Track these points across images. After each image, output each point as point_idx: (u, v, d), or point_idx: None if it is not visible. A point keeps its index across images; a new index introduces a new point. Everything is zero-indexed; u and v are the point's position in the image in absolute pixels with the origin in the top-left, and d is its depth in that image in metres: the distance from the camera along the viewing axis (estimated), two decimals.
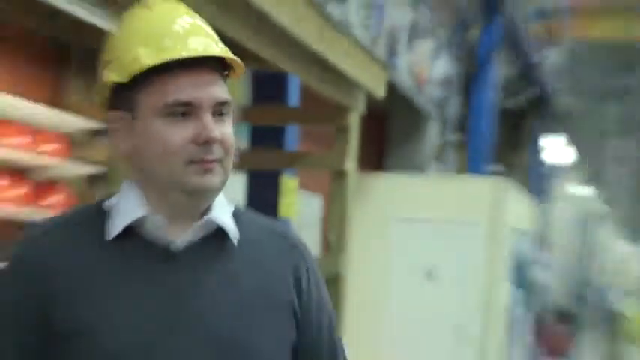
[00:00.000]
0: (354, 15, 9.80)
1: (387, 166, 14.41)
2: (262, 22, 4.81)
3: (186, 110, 1.90)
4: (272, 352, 2.02)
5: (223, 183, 1.99)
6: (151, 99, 1.92)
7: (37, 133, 6.02)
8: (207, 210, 2.00)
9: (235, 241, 2.02)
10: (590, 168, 28.22)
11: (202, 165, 1.92)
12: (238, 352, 1.97)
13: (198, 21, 2.02)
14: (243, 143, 7.26)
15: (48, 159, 6.06)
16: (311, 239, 9.58)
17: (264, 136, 7.25)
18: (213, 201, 2.01)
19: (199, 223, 1.98)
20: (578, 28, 19.42)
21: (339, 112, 6.39)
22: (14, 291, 2.00)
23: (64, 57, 6.47)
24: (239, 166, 6.49)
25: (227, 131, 1.96)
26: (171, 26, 1.96)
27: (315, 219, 9.99)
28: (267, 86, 6.99)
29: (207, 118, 1.91)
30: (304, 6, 5.18)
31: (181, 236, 1.98)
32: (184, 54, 1.88)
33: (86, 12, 4.89)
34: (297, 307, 2.09)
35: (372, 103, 10.29)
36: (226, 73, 1.99)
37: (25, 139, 5.97)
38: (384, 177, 13.22)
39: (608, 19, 19.92)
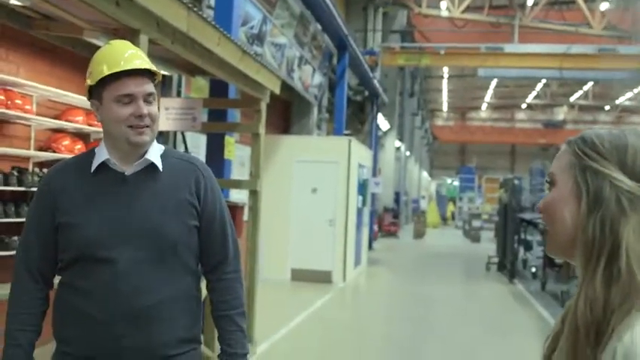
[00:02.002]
0: (267, 51, 10.10)
1: (291, 131, 14.50)
2: (211, 55, 4.83)
3: (129, 99, 1.99)
4: (180, 233, 2.07)
5: (152, 138, 2.08)
6: (109, 92, 2.00)
7: (89, 113, 6.05)
8: (145, 153, 2.07)
9: (161, 169, 2.09)
10: (398, 132, 28.38)
11: (137, 129, 2.01)
12: (159, 235, 2.03)
13: (139, 52, 2.09)
14: (205, 118, 7.00)
15: (95, 128, 6.22)
16: (245, 171, 9.82)
17: (216, 115, 7.12)
18: (148, 148, 2.08)
19: (139, 161, 2.06)
20: (387, 60, 20.26)
21: (255, 101, 6.24)
22: (39, 200, 2.11)
23: None
24: (203, 131, 7.01)
25: (153, 109, 2.03)
26: (123, 54, 2.02)
27: (247, 160, 9.37)
28: (218, 88, 6.85)
29: (140, 102, 2.00)
30: (232, 45, 5.14)
31: (130, 168, 2.07)
32: (128, 67, 1.98)
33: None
34: (197, 204, 2.12)
35: (282, 96, 11.00)
36: (155, 78, 2.08)
37: (83, 117, 6.18)
38: (290, 137, 13.25)
39: (402, 56, 20.94)
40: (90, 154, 2.11)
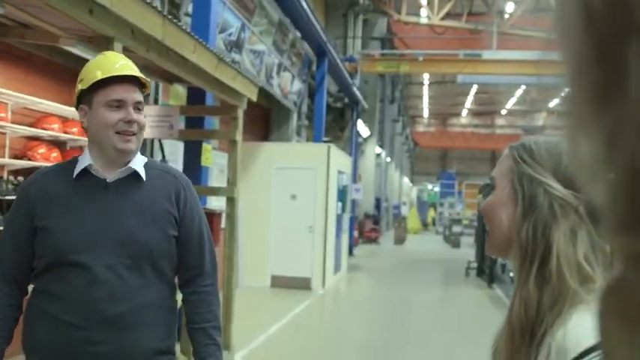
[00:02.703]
0: (246, 58, 10.14)
1: (271, 138, 14.55)
2: (186, 63, 4.83)
3: (119, 104, 2.05)
4: (158, 241, 2.09)
5: (138, 147, 2.11)
6: (100, 97, 2.04)
7: (66, 120, 6.26)
8: (129, 161, 2.10)
9: (144, 178, 2.12)
10: (379, 138, 28.41)
11: (124, 136, 2.06)
12: (137, 243, 2.05)
13: (130, 62, 2.15)
14: (182, 126, 6.94)
15: (70, 135, 6.26)
16: (224, 178, 10.43)
17: (193, 122, 7.11)
18: (133, 156, 2.11)
19: (123, 168, 2.10)
20: (366, 67, 20.39)
21: (232, 108, 6.21)
22: (17, 207, 2.14)
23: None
24: (180, 138, 6.99)
25: (141, 118, 2.10)
26: (115, 62, 2.11)
27: (224, 167, 8.74)
28: (195, 95, 6.81)
29: (130, 109, 2.06)
30: (207, 53, 5.14)
31: (112, 175, 2.10)
32: (121, 73, 2.06)
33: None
34: (177, 214, 2.15)
35: (261, 103, 11.01)
36: (144, 88, 2.15)
37: (58, 124, 6.15)
38: (268, 144, 13.28)
39: (381, 63, 21.07)
40: (73, 162, 2.14)
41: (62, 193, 2.08)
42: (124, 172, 2.11)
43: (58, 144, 6.32)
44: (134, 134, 2.07)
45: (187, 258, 2.18)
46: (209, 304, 2.23)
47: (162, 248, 2.10)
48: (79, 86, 2.09)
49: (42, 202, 2.07)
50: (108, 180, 2.10)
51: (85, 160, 2.10)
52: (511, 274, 14.28)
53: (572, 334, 1.05)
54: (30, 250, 2.06)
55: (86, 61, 6.48)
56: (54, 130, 6.14)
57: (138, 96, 2.09)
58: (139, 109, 2.09)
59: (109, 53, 2.22)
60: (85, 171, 2.09)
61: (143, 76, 2.12)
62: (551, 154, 1.19)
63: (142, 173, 2.13)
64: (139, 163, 2.14)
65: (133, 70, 2.11)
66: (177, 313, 2.24)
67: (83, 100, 2.09)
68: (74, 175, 2.09)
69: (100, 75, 2.04)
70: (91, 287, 1.99)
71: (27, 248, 2.06)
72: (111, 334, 2.00)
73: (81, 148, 6.56)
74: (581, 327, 1.05)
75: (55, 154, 6.13)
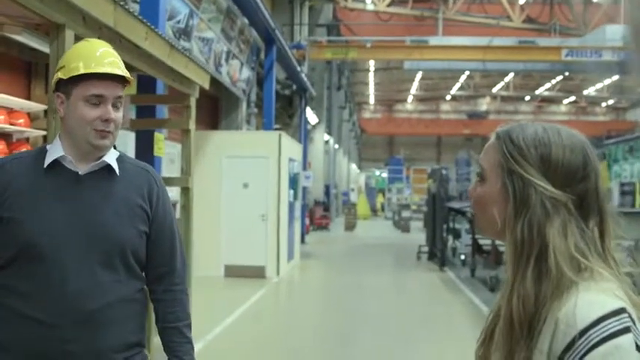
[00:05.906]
0: (195, 45, 10.05)
1: (220, 127, 14.49)
2: (139, 50, 4.74)
3: (98, 100, 1.98)
4: (131, 236, 2.04)
5: (112, 143, 2.06)
6: (80, 90, 1.97)
7: (11, 112, 6.05)
8: (102, 155, 2.05)
9: (117, 172, 2.08)
10: (327, 125, 28.55)
11: (101, 133, 2.00)
12: (109, 238, 2.00)
13: (113, 51, 2.07)
14: (133, 115, 6.98)
15: (17, 127, 6.07)
16: (174, 168, 9.95)
17: (144, 111, 7.01)
18: (107, 151, 2.06)
19: (96, 162, 2.05)
20: (314, 54, 20.42)
21: (184, 97, 6.16)
22: None
23: (32, 68, 6.62)
24: (131, 128, 6.93)
25: (119, 115, 2.04)
26: (98, 53, 2.01)
27: (177, 156, 9.62)
28: (145, 84, 6.70)
29: (109, 106, 1.99)
30: (160, 40, 5.07)
31: (85, 168, 2.04)
32: (103, 70, 1.97)
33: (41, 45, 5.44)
34: (149, 210, 2.12)
35: (210, 92, 10.93)
36: (125, 82, 2.05)
37: (4, 116, 5.90)
38: (218, 133, 13.24)
39: (329, 49, 21.13)
40: (41, 151, 2.07)
41: (32, 184, 1.99)
42: (97, 166, 2.05)
43: (4, 136, 6.08)
44: (110, 132, 2.02)
45: (158, 255, 2.15)
46: (181, 302, 2.21)
47: (134, 244, 2.06)
48: (59, 74, 2.01)
49: (9, 192, 1.98)
50: (80, 173, 2.03)
51: (56, 151, 2.03)
52: (462, 257, 14.57)
53: (580, 308, 1.11)
54: None
55: (32, 49, 6.26)
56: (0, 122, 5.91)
57: (118, 91, 2.03)
58: (117, 106, 2.02)
59: (93, 41, 2.12)
60: (57, 162, 2.02)
61: (126, 73, 2.04)
62: (540, 155, 1.22)
63: (116, 167, 2.08)
64: (112, 156, 2.09)
65: (116, 65, 2.02)
66: (145, 305, 2.19)
67: (61, 88, 2.02)
68: (45, 166, 2.01)
69: (82, 68, 1.96)
70: (64, 283, 1.92)
71: None
72: (86, 331, 1.94)
73: (27, 140, 6.36)
74: (587, 301, 1.12)
75: (1, 147, 5.90)
